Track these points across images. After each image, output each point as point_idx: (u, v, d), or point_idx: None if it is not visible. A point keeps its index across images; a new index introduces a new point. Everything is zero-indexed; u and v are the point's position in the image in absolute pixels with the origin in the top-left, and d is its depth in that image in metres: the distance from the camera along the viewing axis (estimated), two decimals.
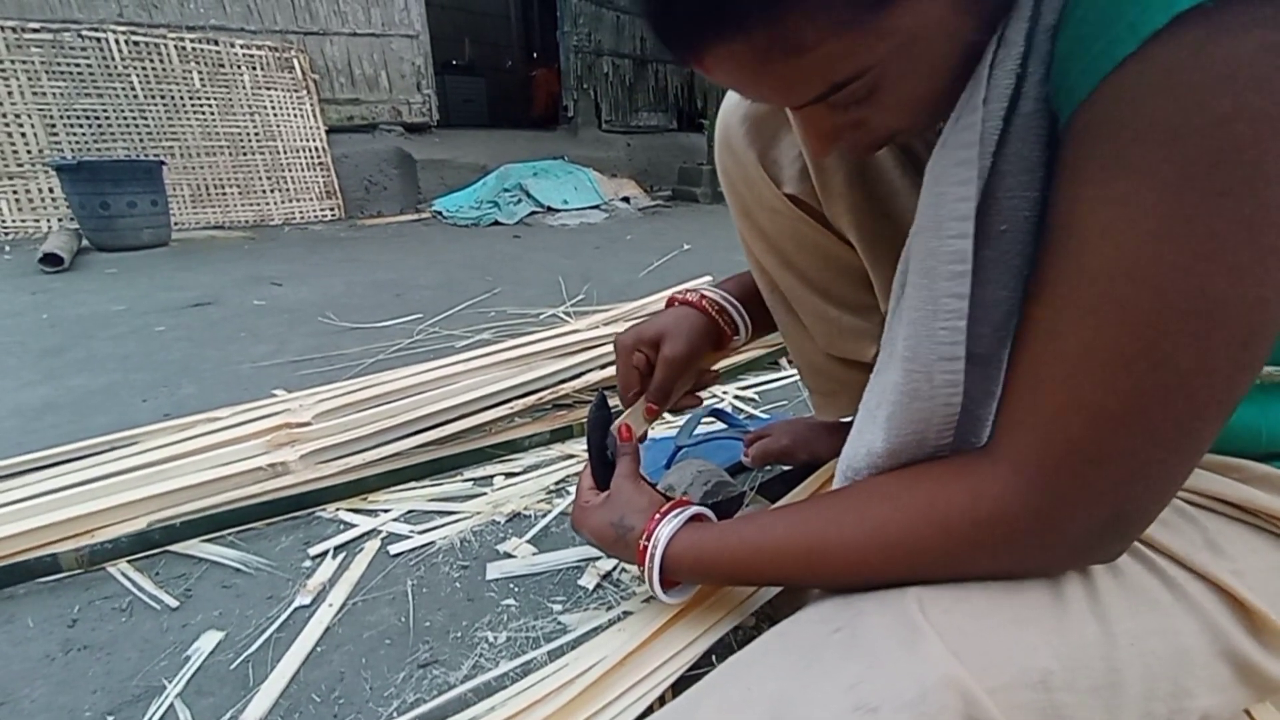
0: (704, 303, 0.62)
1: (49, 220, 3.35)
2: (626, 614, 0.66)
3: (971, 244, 0.32)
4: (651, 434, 1.02)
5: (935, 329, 0.34)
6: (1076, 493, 0.31)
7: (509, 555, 0.78)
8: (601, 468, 0.63)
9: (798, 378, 1.16)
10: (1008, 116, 0.32)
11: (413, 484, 0.93)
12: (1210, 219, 0.26)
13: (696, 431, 0.98)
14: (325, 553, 0.79)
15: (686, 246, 3.03)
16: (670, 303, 0.64)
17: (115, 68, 3.57)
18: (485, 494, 0.91)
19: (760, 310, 0.67)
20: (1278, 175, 0.25)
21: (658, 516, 0.51)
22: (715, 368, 0.68)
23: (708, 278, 1.85)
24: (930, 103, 0.33)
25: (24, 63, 3.33)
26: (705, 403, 0.68)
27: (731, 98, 0.58)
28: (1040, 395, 0.32)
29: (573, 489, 0.91)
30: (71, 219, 3.08)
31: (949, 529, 0.34)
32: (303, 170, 4.17)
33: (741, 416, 1.14)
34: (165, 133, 3.71)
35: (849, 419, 0.87)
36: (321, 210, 4.21)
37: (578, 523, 0.58)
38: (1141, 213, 0.27)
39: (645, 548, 0.50)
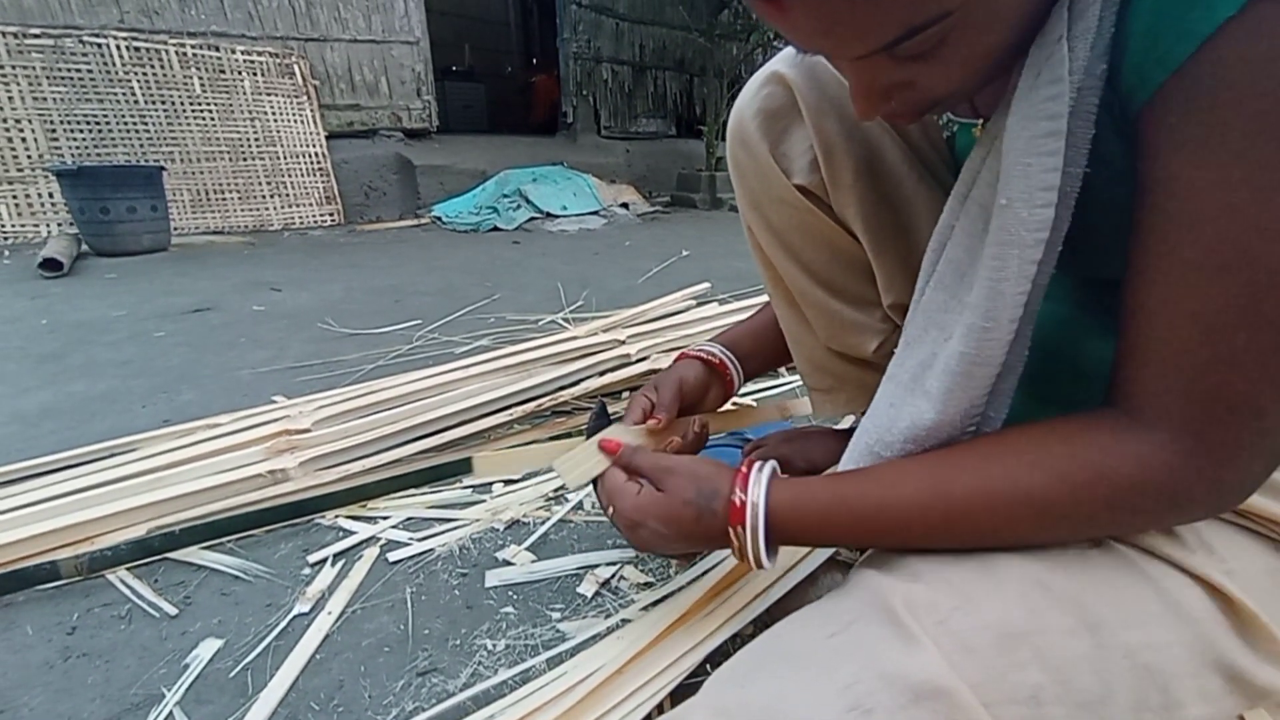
0: (700, 353, 0.70)
1: (49, 225, 3.36)
2: (625, 622, 0.66)
3: (1054, 212, 0.33)
4: None
5: (1017, 295, 0.35)
6: (1239, 448, 0.32)
7: (508, 563, 0.78)
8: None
9: (795, 383, 1.17)
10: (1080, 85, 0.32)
11: (412, 491, 0.94)
12: None
13: None
14: (324, 560, 0.79)
15: (685, 253, 3.04)
16: (680, 357, 0.71)
17: (116, 73, 3.58)
18: (484, 501, 0.91)
19: (750, 352, 0.72)
20: None
21: (744, 470, 0.45)
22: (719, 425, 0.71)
23: (706, 284, 1.86)
24: (985, 64, 0.33)
25: (25, 68, 3.34)
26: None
27: (745, 94, 0.59)
28: (1183, 357, 0.32)
29: (572, 497, 0.91)
30: (71, 224, 3.08)
31: (1112, 497, 0.34)
32: (302, 176, 4.18)
33: None
34: (165, 138, 3.72)
35: (845, 427, 0.88)
36: (321, 216, 4.22)
37: (635, 517, 0.48)
38: (1250, 172, 0.28)
39: (743, 504, 0.43)
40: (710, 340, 0.73)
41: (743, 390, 1.26)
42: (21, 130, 3.33)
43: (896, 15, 0.29)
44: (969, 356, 0.37)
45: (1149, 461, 0.33)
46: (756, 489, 0.43)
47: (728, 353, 0.70)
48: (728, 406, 0.74)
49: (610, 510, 0.50)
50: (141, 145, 3.66)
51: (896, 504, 0.39)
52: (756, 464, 0.45)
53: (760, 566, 0.44)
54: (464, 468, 0.98)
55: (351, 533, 0.84)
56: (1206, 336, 0.31)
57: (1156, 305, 0.33)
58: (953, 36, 0.31)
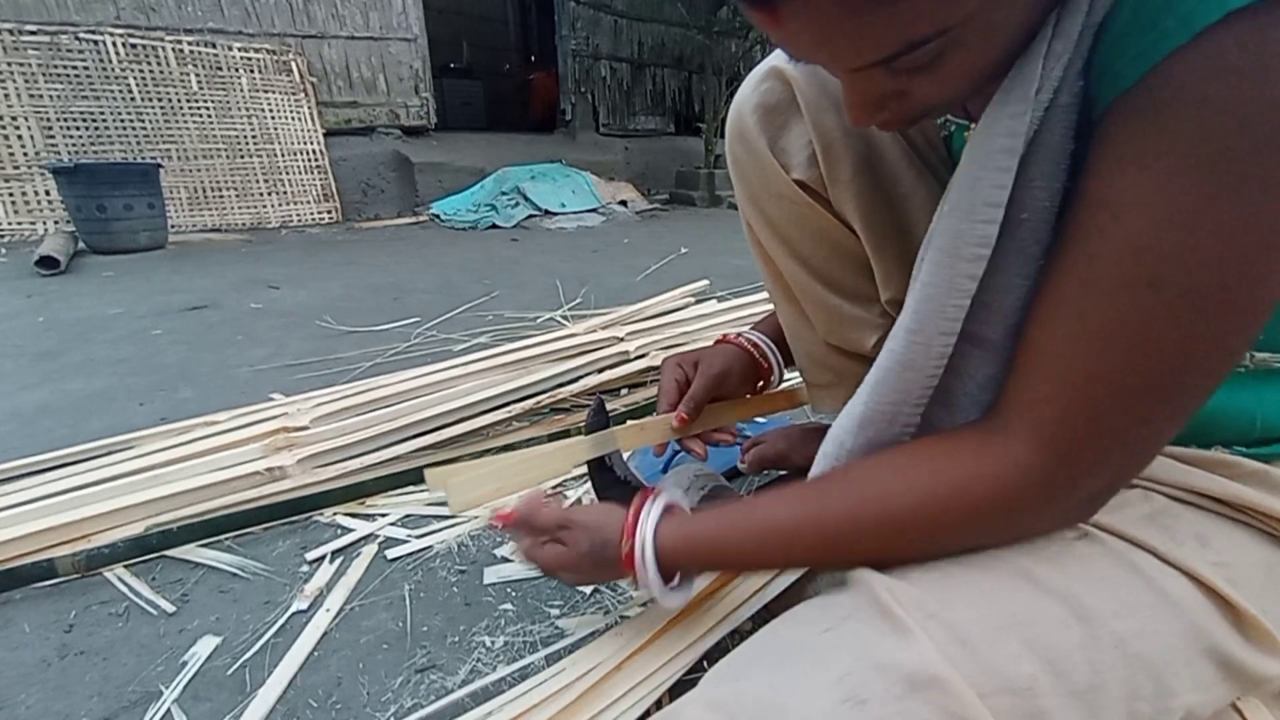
0: (743, 340, 0.70)
1: (45, 223, 3.35)
2: (623, 618, 0.66)
3: (997, 229, 0.34)
4: None
5: (946, 305, 0.36)
6: (1090, 462, 0.33)
7: (506, 560, 0.78)
8: (599, 473, 0.63)
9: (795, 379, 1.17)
10: (1047, 108, 0.32)
11: (410, 488, 0.94)
12: (1245, 205, 0.27)
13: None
14: (322, 557, 0.79)
15: (684, 250, 3.04)
16: (720, 340, 0.71)
17: (112, 70, 3.57)
18: None
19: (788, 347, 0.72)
20: None
21: (632, 515, 0.49)
22: (740, 414, 0.72)
23: (704, 282, 1.85)
24: (979, 76, 0.33)
25: (21, 65, 3.32)
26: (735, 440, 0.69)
27: (744, 90, 0.59)
28: (1067, 367, 0.33)
29: (570, 494, 0.91)
30: (68, 222, 3.08)
31: (974, 509, 0.36)
32: (300, 173, 4.17)
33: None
34: (162, 135, 3.71)
35: None
36: (319, 213, 4.21)
37: (548, 570, 0.53)
38: (1180, 192, 0.28)
39: (632, 549, 0.47)
40: (755, 326, 0.73)
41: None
42: (18, 128, 3.32)
43: (894, 32, 0.29)
44: (895, 355, 0.39)
45: (1006, 477, 0.35)
46: (646, 527, 0.47)
47: (772, 346, 0.70)
48: None
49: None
50: (138, 142, 3.65)
51: (775, 530, 0.42)
52: (645, 507, 0.49)
53: (664, 603, 0.48)
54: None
55: (349, 530, 0.84)
56: (1089, 352, 0.32)
57: (1049, 316, 0.34)
58: (949, 51, 0.31)
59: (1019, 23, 0.31)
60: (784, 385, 0.76)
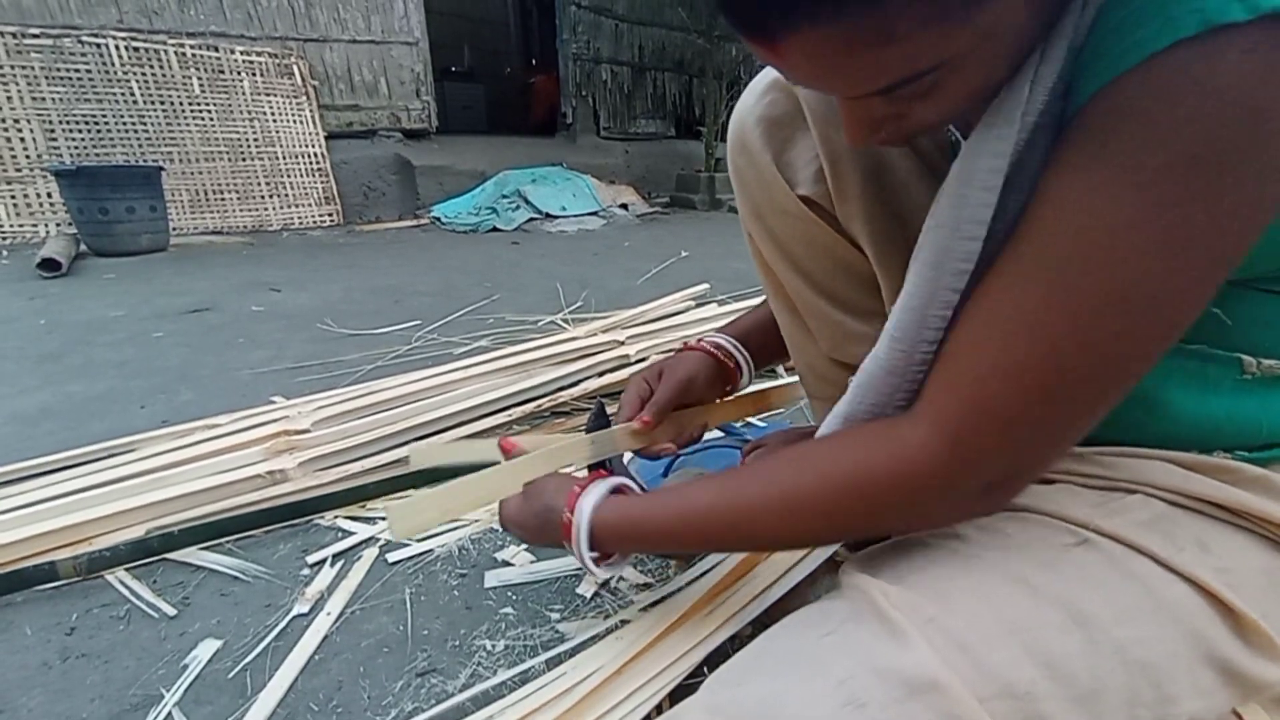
0: (705, 344, 0.69)
1: (47, 225, 3.36)
2: (624, 622, 0.66)
3: (981, 245, 0.35)
4: None
5: (929, 315, 0.37)
6: (982, 451, 0.34)
7: (507, 563, 0.78)
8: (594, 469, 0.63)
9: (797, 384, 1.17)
10: (1033, 129, 0.33)
11: (411, 491, 0.94)
12: (1173, 220, 0.28)
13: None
14: (323, 561, 0.79)
15: (684, 254, 3.05)
16: (684, 348, 0.71)
17: (115, 74, 3.58)
18: None
19: (760, 344, 0.72)
20: (1241, 186, 0.28)
21: (577, 489, 0.51)
22: (720, 417, 0.72)
23: (705, 285, 1.86)
24: (976, 99, 0.34)
25: (24, 68, 3.34)
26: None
27: (746, 100, 0.58)
28: (973, 359, 0.34)
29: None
30: (70, 224, 3.08)
31: (869, 491, 0.37)
32: (302, 176, 4.18)
33: (739, 425, 1.14)
34: (164, 138, 3.72)
35: None
36: (320, 216, 4.22)
37: (504, 520, 0.58)
38: (1112, 202, 0.29)
39: (569, 521, 0.50)
40: (720, 329, 0.72)
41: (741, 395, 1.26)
42: (20, 130, 3.33)
43: (892, 66, 0.30)
44: (880, 361, 0.40)
45: (903, 460, 0.35)
46: (585, 504, 0.50)
47: (737, 345, 0.70)
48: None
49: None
50: (140, 145, 3.66)
51: (693, 513, 0.44)
52: (591, 486, 0.51)
53: (593, 573, 0.51)
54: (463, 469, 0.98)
55: (350, 533, 0.84)
56: (996, 344, 0.33)
57: (974, 309, 0.35)
58: (946, 79, 0.31)
59: (1014, 49, 0.32)
60: (759, 386, 0.75)
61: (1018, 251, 0.33)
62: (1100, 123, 0.30)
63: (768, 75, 0.57)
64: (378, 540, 0.83)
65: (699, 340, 0.70)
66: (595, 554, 0.50)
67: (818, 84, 0.34)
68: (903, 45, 0.28)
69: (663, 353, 1.37)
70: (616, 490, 0.53)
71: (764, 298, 0.72)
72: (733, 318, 0.76)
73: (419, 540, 0.82)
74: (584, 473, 0.59)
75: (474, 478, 0.58)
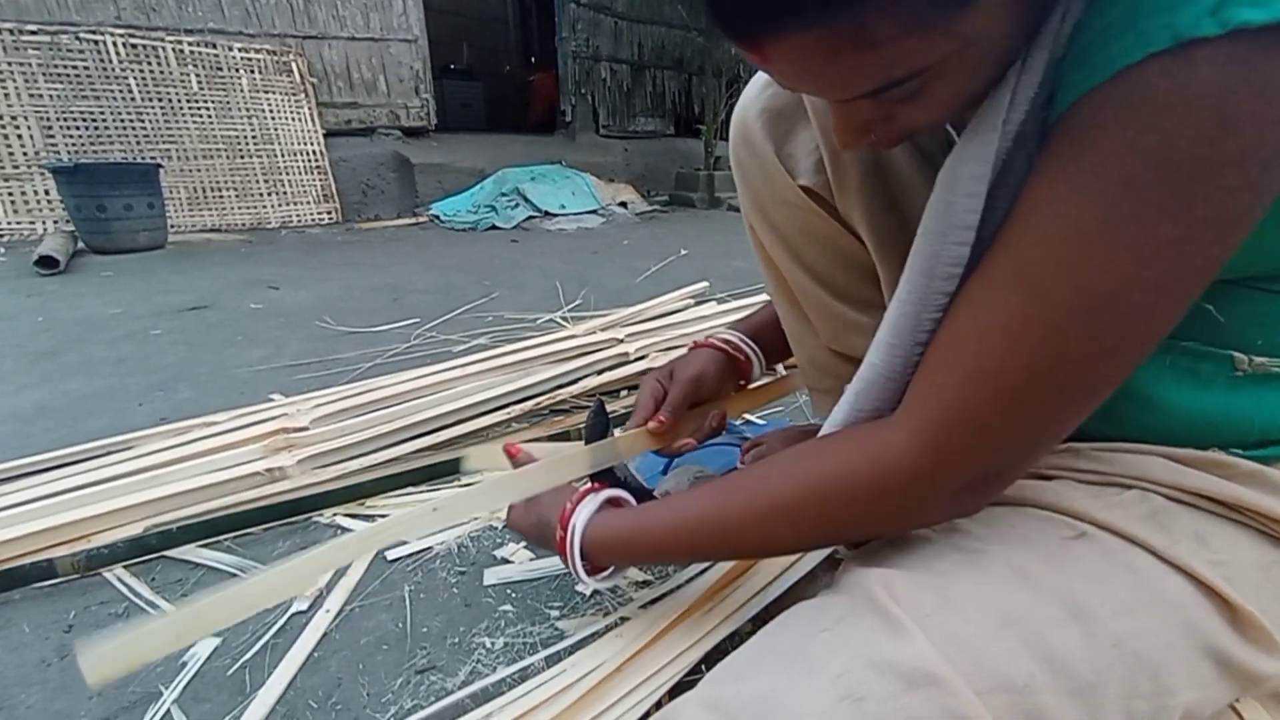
0: (715, 341, 0.70)
1: (45, 222, 3.35)
2: (623, 620, 0.66)
3: (969, 250, 0.35)
4: None
5: (921, 318, 0.38)
6: (958, 455, 0.35)
7: (506, 561, 0.78)
8: (599, 477, 0.63)
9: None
10: (1016, 137, 0.34)
11: (410, 489, 0.94)
12: (1143, 230, 0.29)
13: None
14: None
15: (684, 251, 3.04)
16: (694, 346, 0.72)
17: (113, 70, 3.56)
18: None
19: (771, 340, 0.73)
20: (1211, 198, 0.28)
21: (569, 506, 0.52)
22: (735, 409, 0.72)
23: (704, 283, 1.86)
24: (963, 101, 0.35)
25: (21, 65, 3.32)
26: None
27: (749, 93, 0.59)
28: (951, 364, 0.35)
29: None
30: (68, 221, 3.07)
31: (848, 498, 0.38)
32: (300, 173, 4.17)
33: (738, 423, 1.14)
34: (162, 135, 3.71)
35: None
36: (318, 214, 4.21)
37: (509, 522, 0.61)
38: (1084, 212, 0.30)
39: (563, 538, 0.51)
40: (731, 325, 0.73)
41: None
42: (18, 127, 3.32)
43: (877, 70, 0.30)
44: (875, 367, 0.40)
45: (882, 464, 0.36)
46: (578, 519, 0.51)
47: (747, 340, 0.71)
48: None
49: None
50: (138, 143, 3.64)
51: (682, 527, 0.45)
52: (583, 501, 0.52)
53: (584, 582, 0.52)
54: (461, 466, 0.98)
55: (349, 531, 0.84)
56: (974, 348, 0.34)
57: (953, 315, 0.36)
58: (933, 82, 0.32)
59: (998, 56, 0.32)
60: (767, 379, 0.76)
61: (996, 258, 0.34)
62: (1074, 134, 0.30)
63: None
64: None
65: (708, 337, 0.71)
66: (588, 566, 0.52)
67: (805, 87, 0.34)
68: (884, 51, 0.29)
69: (662, 350, 1.37)
70: (612, 502, 0.54)
71: (762, 297, 0.73)
72: (744, 314, 0.77)
73: (417, 537, 0.82)
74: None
75: (459, 495, 0.59)
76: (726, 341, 0.70)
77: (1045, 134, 0.33)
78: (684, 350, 0.72)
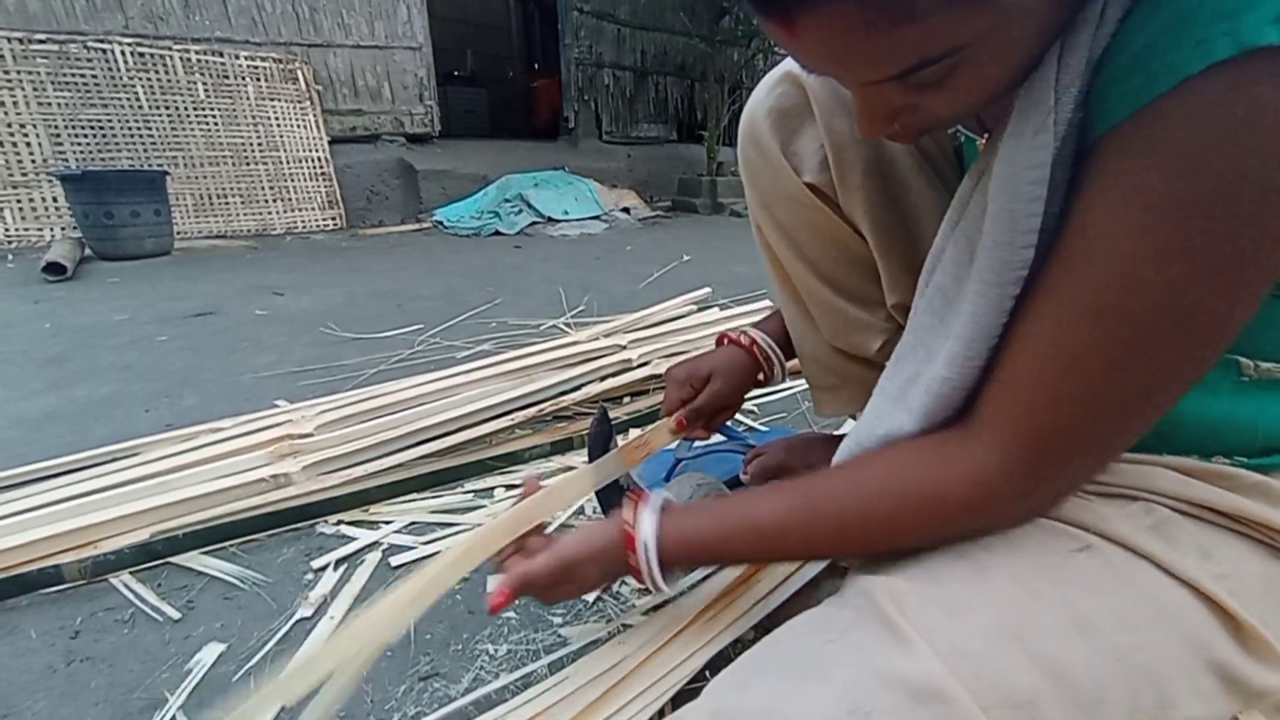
0: (753, 347, 0.70)
1: (52, 229, 3.37)
2: (626, 627, 0.66)
3: (1034, 254, 0.35)
4: None
5: (995, 326, 0.38)
6: (1054, 473, 0.36)
7: None
8: (604, 488, 0.63)
9: (797, 386, 1.17)
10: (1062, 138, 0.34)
11: (414, 496, 0.94)
12: (1213, 248, 0.29)
13: (696, 445, 0.98)
14: (327, 565, 0.79)
15: (686, 257, 3.05)
16: (721, 339, 0.72)
17: (120, 79, 3.60)
18: (486, 506, 0.91)
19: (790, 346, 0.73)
20: (1277, 215, 0.28)
21: (635, 511, 0.49)
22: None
23: (707, 289, 1.86)
24: (990, 93, 0.34)
25: (30, 73, 3.36)
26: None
27: (758, 93, 0.60)
28: (1037, 386, 0.35)
29: (573, 502, 0.91)
30: (75, 228, 3.10)
31: (942, 513, 0.39)
32: (305, 180, 4.20)
33: (740, 429, 1.14)
34: (169, 143, 3.74)
35: (845, 433, 0.88)
36: (323, 220, 4.24)
37: (551, 590, 0.51)
38: (1154, 228, 0.30)
39: (635, 545, 0.47)
40: (757, 324, 0.74)
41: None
42: (26, 135, 3.35)
43: (908, 49, 0.30)
44: (950, 381, 0.40)
45: (977, 484, 0.37)
46: (647, 522, 0.48)
47: (772, 344, 0.71)
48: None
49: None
50: (145, 150, 3.67)
51: (767, 532, 0.44)
52: (644, 500, 0.49)
53: (664, 592, 0.49)
54: (465, 472, 0.99)
55: (354, 538, 0.84)
56: (1062, 372, 0.34)
57: (1029, 334, 0.36)
58: (961, 68, 0.31)
59: (1031, 42, 0.32)
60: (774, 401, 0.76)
61: (1069, 277, 0.34)
62: (1137, 147, 0.30)
63: (779, 70, 0.58)
64: (380, 544, 0.83)
65: (739, 333, 0.72)
66: (665, 575, 0.48)
67: (833, 67, 0.33)
68: (921, 25, 0.28)
69: (665, 357, 1.37)
70: (661, 510, 0.50)
71: (765, 303, 0.73)
72: (768, 313, 0.78)
73: (422, 544, 0.82)
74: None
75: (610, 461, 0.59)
76: (753, 342, 0.71)
77: (1082, 134, 0.33)
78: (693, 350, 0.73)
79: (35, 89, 3.37)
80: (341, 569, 0.78)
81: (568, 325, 1.85)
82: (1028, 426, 0.36)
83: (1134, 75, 0.30)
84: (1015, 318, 0.37)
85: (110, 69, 3.57)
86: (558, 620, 0.69)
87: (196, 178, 3.81)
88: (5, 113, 3.29)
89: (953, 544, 0.39)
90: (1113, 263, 0.32)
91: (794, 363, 0.74)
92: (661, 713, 0.53)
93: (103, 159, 3.54)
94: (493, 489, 0.96)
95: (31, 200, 3.36)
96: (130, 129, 3.63)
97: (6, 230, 3.29)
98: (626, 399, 1.27)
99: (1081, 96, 0.32)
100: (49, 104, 3.41)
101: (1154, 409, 0.35)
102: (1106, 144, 0.32)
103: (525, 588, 0.51)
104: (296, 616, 0.70)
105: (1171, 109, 0.28)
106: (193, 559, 0.80)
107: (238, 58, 3.97)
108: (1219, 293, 0.30)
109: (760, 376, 0.71)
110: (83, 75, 3.49)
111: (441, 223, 4.25)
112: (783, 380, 0.74)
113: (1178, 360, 0.33)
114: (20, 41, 3.33)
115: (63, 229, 3.35)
